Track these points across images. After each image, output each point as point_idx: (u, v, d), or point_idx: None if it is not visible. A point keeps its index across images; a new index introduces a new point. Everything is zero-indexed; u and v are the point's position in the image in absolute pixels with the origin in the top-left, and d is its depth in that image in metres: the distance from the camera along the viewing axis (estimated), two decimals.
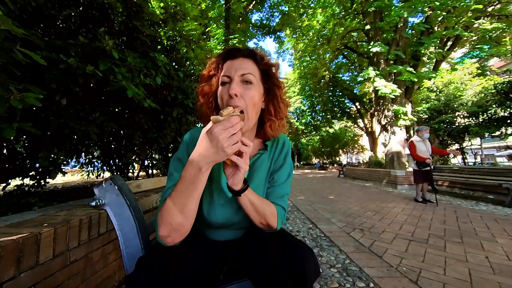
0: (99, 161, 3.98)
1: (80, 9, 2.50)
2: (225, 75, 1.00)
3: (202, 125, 1.16)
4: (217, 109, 1.08)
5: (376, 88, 12.93)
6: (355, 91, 23.74)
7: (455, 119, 12.10)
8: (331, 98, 26.05)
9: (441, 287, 2.32)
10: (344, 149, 41.87)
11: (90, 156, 3.80)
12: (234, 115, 0.82)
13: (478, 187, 7.39)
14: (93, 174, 4.55)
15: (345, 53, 20.68)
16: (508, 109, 8.79)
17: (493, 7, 13.16)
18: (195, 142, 1.03)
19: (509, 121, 8.85)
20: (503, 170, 7.37)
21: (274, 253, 0.90)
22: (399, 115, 13.29)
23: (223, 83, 1.01)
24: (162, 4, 3.73)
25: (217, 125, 0.78)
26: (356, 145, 40.48)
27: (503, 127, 9.06)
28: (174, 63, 3.69)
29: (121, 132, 3.32)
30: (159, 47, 3.49)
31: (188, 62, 4.07)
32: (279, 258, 0.87)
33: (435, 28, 13.63)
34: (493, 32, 13.12)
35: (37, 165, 2.67)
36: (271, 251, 0.92)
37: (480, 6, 11.98)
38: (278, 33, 19.60)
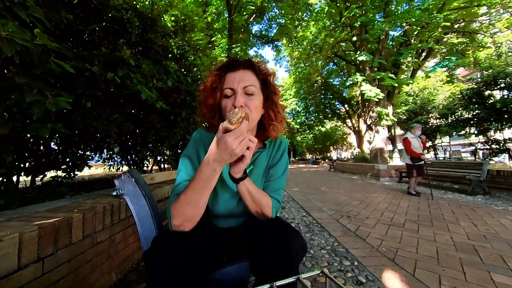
0: (118, 156, 3.98)
1: (103, 24, 2.51)
2: (228, 88, 0.97)
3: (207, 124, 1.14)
4: (220, 117, 1.05)
5: (363, 92, 12.97)
6: (344, 95, 23.69)
7: (429, 120, 12.28)
8: (323, 100, 25.94)
9: (413, 263, 2.38)
10: (335, 146, 41.71)
11: (111, 152, 3.78)
12: (243, 119, 0.80)
13: (447, 178, 7.48)
14: (113, 168, 4.55)
15: (335, 61, 20.58)
16: (472, 112, 8.90)
17: (458, 24, 13.46)
18: (203, 141, 1.08)
19: (472, 122, 8.96)
20: (466, 163, 7.50)
21: (268, 238, 0.92)
22: (382, 116, 13.39)
23: (226, 96, 0.98)
24: (173, 18, 3.70)
25: (229, 135, 0.77)
26: (345, 143, 40.35)
27: (467, 127, 9.19)
28: (183, 69, 3.65)
29: (137, 131, 3.30)
30: (170, 55, 3.47)
31: (195, 69, 4.05)
32: (272, 241, 0.90)
33: (412, 40, 13.81)
34: (459, 45, 13.54)
35: (68, 159, 2.68)
36: (266, 236, 0.93)
37: (448, 24, 12.32)
38: (275, 42, 19.61)
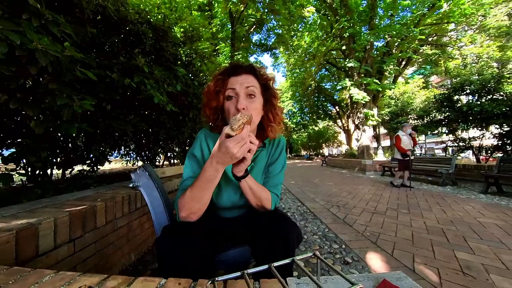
0: (134, 153, 3.97)
1: (121, 36, 2.53)
2: (231, 90, 0.93)
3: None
4: (223, 119, 1.02)
5: (351, 95, 13.10)
6: (335, 97, 23.45)
7: (408, 120, 12.34)
8: (316, 102, 25.83)
9: (392, 245, 2.43)
10: (326, 144, 41.51)
11: (128, 149, 3.77)
12: (245, 125, 0.77)
13: (422, 171, 7.51)
14: (130, 163, 4.53)
15: (327, 67, 20.49)
16: (443, 114, 9.02)
17: (432, 38, 13.77)
18: (207, 141, 1.06)
19: (443, 122, 9.08)
20: (438, 159, 7.61)
21: (267, 227, 0.92)
22: (368, 117, 13.52)
23: (229, 97, 0.94)
24: (182, 29, 3.68)
25: (231, 141, 0.75)
26: (335, 140, 40.18)
27: (440, 127, 9.31)
28: (190, 75, 3.64)
29: (150, 130, 3.30)
30: (179, 62, 3.44)
31: (201, 74, 4.05)
32: (271, 230, 0.90)
33: (393, 51, 13.97)
34: (433, 56, 14.00)
35: (91, 155, 2.69)
36: (265, 225, 0.93)
37: (423, 37, 12.67)
38: (273, 50, 19.53)
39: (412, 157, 6.28)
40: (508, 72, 7.97)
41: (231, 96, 0.93)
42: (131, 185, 1.21)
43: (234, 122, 0.76)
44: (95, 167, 3.05)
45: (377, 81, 12.99)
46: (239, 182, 0.93)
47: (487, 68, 9.18)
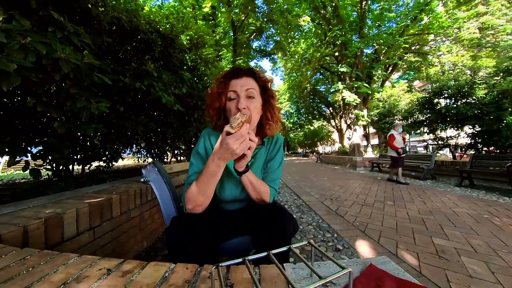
0: (144, 150, 3.95)
1: (133, 44, 2.54)
2: (232, 92, 0.94)
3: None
4: (225, 119, 1.01)
5: (343, 97, 13.09)
6: (328, 99, 23.31)
7: (394, 121, 12.35)
8: (311, 104, 25.68)
9: (379, 233, 2.48)
10: (321, 142, 41.37)
11: (139, 147, 3.75)
12: (244, 123, 0.77)
13: (406, 167, 7.52)
14: (141, 159, 4.52)
15: (321, 71, 20.33)
16: (425, 115, 9.15)
17: (415, 46, 13.99)
18: (211, 139, 1.05)
19: (425, 123, 9.19)
20: (420, 156, 7.75)
21: (267, 220, 0.92)
22: (359, 117, 13.58)
23: (230, 98, 0.94)
24: (188, 37, 3.67)
25: (231, 137, 0.75)
26: (329, 139, 40.08)
27: (422, 127, 9.40)
28: (195, 78, 3.61)
29: (159, 129, 3.29)
30: (185, 67, 3.42)
31: (205, 77, 4.02)
32: (270, 223, 0.90)
33: (381, 57, 14.02)
34: (415, 63, 14.18)
35: (107, 152, 2.72)
36: (265, 219, 0.93)
37: (407, 45, 13.00)
38: (272, 56, 19.47)
39: (403, 155, 6.24)
40: (479, 79, 8.15)
41: (232, 97, 0.94)
42: (142, 180, 1.21)
43: (233, 121, 0.76)
44: (110, 163, 3.07)
45: (366, 85, 13.11)
46: (240, 177, 0.93)
47: (462, 75, 9.34)
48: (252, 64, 18.05)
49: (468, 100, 7.80)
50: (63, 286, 0.61)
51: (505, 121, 6.66)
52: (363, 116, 13.69)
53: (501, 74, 7.72)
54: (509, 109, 6.60)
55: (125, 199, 1.70)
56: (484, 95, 7.31)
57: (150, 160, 4.31)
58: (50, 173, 2.15)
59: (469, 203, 3.85)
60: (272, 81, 1.05)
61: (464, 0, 11.27)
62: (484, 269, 1.77)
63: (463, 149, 8.67)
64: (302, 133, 39.49)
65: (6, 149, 1.52)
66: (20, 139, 1.69)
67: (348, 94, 12.83)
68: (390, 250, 2.10)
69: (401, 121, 11.36)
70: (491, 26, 11.85)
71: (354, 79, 13.49)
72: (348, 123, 15.06)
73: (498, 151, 7.23)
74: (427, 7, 11.84)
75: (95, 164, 2.93)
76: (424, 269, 1.77)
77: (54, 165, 2.10)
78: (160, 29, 2.90)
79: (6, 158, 1.55)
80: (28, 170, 1.65)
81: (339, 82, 13.76)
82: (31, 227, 1.02)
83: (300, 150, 48.76)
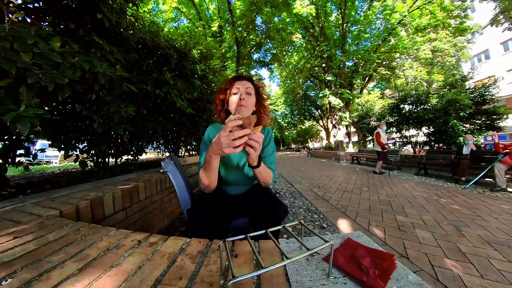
0: (163, 146, 3.93)
1: (154, 58, 2.56)
2: (236, 88, 1.01)
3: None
4: (227, 111, 1.08)
5: (330, 101, 13.27)
6: (317, 103, 23.31)
7: (370, 122, 12.59)
8: (303, 106, 25.39)
9: (355, 214, 2.54)
10: (311, 139, 41.37)
11: (158, 143, 3.75)
12: (238, 126, 0.70)
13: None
14: (160, 154, 4.51)
15: (311, 79, 20.13)
16: (393, 118, 9.45)
17: (385, 62, 14.36)
18: (214, 132, 1.08)
19: (393, 124, 9.45)
20: (390, 151, 7.74)
21: (263, 207, 0.98)
22: (342, 118, 13.82)
23: (234, 93, 1.01)
24: (199, 51, 3.66)
25: (220, 132, 0.70)
26: (318, 136, 39.99)
27: (391, 127, 9.63)
28: (205, 85, 3.57)
29: (174, 128, 3.30)
30: (196, 76, 3.39)
31: (213, 84, 3.99)
32: (265, 209, 0.96)
33: (360, 69, 14.22)
34: (386, 75, 14.31)
35: (133, 148, 2.76)
36: (262, 205, 0.99)
37: (379, 61, 13.32)
38: (270, 66, 19.29)
39: (385, 150, 6.20)
40: (433, 90, 8.67)
41: (235, 92, 1.01)
42: (161, 171, 1.23)
43: (238, 116, 0.72)
44: (136, 157, 3.09)
45: (348, 91, 13.26)
46: (253, 170, 0.90)
47: (420, 86, 9.96)
48: (252, 72, 17.87)
49: (425, 106, 8.19)
50: (107, 251, 0.67)
51: (450, 124, 7.07)
52: (345, 118, 13.89)
53: (447, 87, 8.32)
54: (453, 114, 7.06)
55: (148, 186, 1.73)
56: (436, 103, 7.73)
57: (167, 154, 4.29)
58: (92, 164, 2.21)
59: (423, 188, 4.02)
60: (264, 87, 1.12)
61: (420, 28, 11.99)
62: (430, 237, 1.91)
63: (421, 146, 8.99)
64: (295, 131, 39.28)
65: (62, 146, 1.60)
66: (71, 137, 1.75)
67: (334, 99, 13.00)
68: (364, 226, 2.17)
69: (375, 122, 11.45)
70: (440, 49, 12.73)
71: (338, 86, 13.58)
72: (334, 123, 15.21)
73: (445, 147, 7.54)
74: (393, 31, 12.49)
75: (124, 157, 2.96)
76: (388, 240, 1.86)
77: (94, 158, 2.16)
78: (176, 45, 2.90)
79: (62, 152, 1.61)
80: (78, 162, 1.71)
81: (326, 89, 13.94)
82: (81, 206, 1.08)
83: (293, 146, 48.55)
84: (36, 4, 1.38)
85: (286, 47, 15.66)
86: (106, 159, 2.38)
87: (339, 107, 13.39)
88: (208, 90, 3.58)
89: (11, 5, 1.16)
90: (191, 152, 4.73)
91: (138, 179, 1.78)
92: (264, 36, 14.46)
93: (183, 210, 1.11)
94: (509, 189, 3.76)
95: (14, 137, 1.51)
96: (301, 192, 3.76)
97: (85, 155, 2.02)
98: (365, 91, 17.52)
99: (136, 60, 2.19)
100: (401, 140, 9.73)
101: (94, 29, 1.51)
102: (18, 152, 1.59)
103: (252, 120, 0.71)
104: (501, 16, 6.23)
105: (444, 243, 1.79)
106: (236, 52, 13.64)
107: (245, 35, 13.47)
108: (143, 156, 4.66)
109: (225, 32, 13.25)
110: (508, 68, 16.25)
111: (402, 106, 9.07)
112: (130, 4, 1.97)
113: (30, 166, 1.70)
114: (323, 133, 35.77)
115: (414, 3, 12.16)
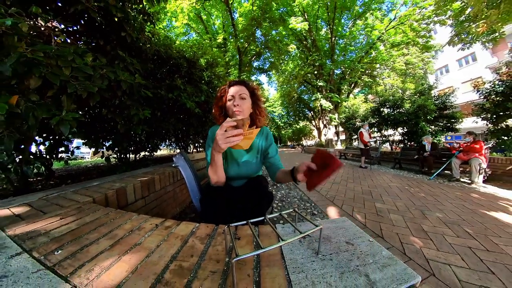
0: (174, 143, 3.91)
1: (167, 67, 2.55)
2: (231, 95, 0.95)
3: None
4: (225, 115, 1.02)
5: (321, 104, 13.28)
6: (310, 105, 23.28)
7: (355, 122, 12.71)
8: (298, 108, 25.26)
9: (342, 202, 2.56)
10: (305, 137, 41.29)
11: (170, 141, 3.73)
12: (237, 126, 0.71)
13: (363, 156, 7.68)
14: (172, 150, 4.49)
15: (305, 85, 20.00)
16: (375, 119, 9.55)
17: (368, 71, 14.43)
18: (215, 132, 1.06)
19: (375, 125, 9.57)
20: (372, 148, 7.75)
21: (255, 194, 0.96)
22: (332, 119, 13.91)
23: (229, 99, 0.95)
24: (205, 60, 3.64)
25: (217, 131, 0.71)
26: (311, 135, 39.92)
27: (373, 127, 9.76)
28: (210, 90, 3.46)
29: (183, 128, 3.28)
30: (203, 81, 3.32)
31: (218, 89, 3.92)
32: (255, 197, 0.95)
33: (346, 76, 14.31)
34: (369, 82, 14.62)
35: (150, 145, 2.78)
36: (255, 195, 0.97)
37: (363, 70, 13.52)
38: (268, 72, 19.20)
39: (368, 147, 6.19)
40: (406, 96, 8.97)
41: (231, 99, 0.95)
42: (173, 165, 1.27)
43: (233, 118, 0.73)
44: (152, 153, 3.08)
45: (337, 96, 13.32)
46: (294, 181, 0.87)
47: (396, 93, 10.36)
48: (253, 78, 17.77)
49: (400, 110, 8.38)
50: (131, 232, 0.69)
51: (419, 125, 7.45)
52: (335, 119, 13.94)
53: (418, 94, 8.68)
54: (422, 117, 7.44)
55: (163, 178, 1.73)
56: (409, 107, 8.02)
57: (178, 151, 4.25)
58: (116, 159, 2.24)
59: (398, 179, 4.12)
60: (258, 88, 1.05)
61: (395, 44, 12.49)
62: (401, 220, 1.99)
63: (397, 143, 9.21)
64: (291, 130, 39.01)
65: (93, 144, 1.66)
66: (99, 137, 1.80)
67: (324, 102, 13.02)
68: (349, 212, 2.20)
69: (360, 123, 11.48)
70: (411, 62, 13.47)
71: (328, 91, 13.57)
72: (324, 123, 15.24)
73: (416, 145, 7.63)
74: (374, 45, 12.94)
75: (142, 153, 2.97)
76: (367, 223, 1.91)
77: (118, 154, 2.18)
78: (186, 55, 2.88)
79: (92, 149, 1.69)
80: (104, 158, 1.75)
81: (318, 93, 13.91)
82: (109, 194, 1.11)
83: (289, 143, 48.48)
84: (74, 27, 1.48)
85: (283, 56, 15.54)
86: (127, 155, 2.40)
87: (329, 109, 13.42)
88: (214, 94, 3.50)
89: (56, 29, 1.25)
90: (198, 149, 4.70)
91: (154, 172, 1.78)
92: (263, 46, 14.39)
93: (192, 199, 1.13)
94: (461, 180, 4.04)
95: (57, 137, 1.59)
96: (295, 184, 3.69)
97: (110, 152, 2.05)
98: (351, 95, 17.65)
99: (152, 69, 2.19)
100: (381, 138, 9.83)
101: (119, 45, 1.54)
102: (60, 149, 1.67)
103: (246, 121, 0.73)
104: (456, 38, 6.58)
105: (411, 224, 1.89)
106: (238, 61, 13.56)
107: (246, 45, 13.38)
108: (158, 153, 4.63)
109: (229, 43, 13.21)
110: (462, 80, 17.62)
111: (382, 109, 9.19)
112: (149, 23, 1.99)
113: (69, 161, 1.77)
114: (315, 132, 35.48)
115: (389, 23, 12.72)
